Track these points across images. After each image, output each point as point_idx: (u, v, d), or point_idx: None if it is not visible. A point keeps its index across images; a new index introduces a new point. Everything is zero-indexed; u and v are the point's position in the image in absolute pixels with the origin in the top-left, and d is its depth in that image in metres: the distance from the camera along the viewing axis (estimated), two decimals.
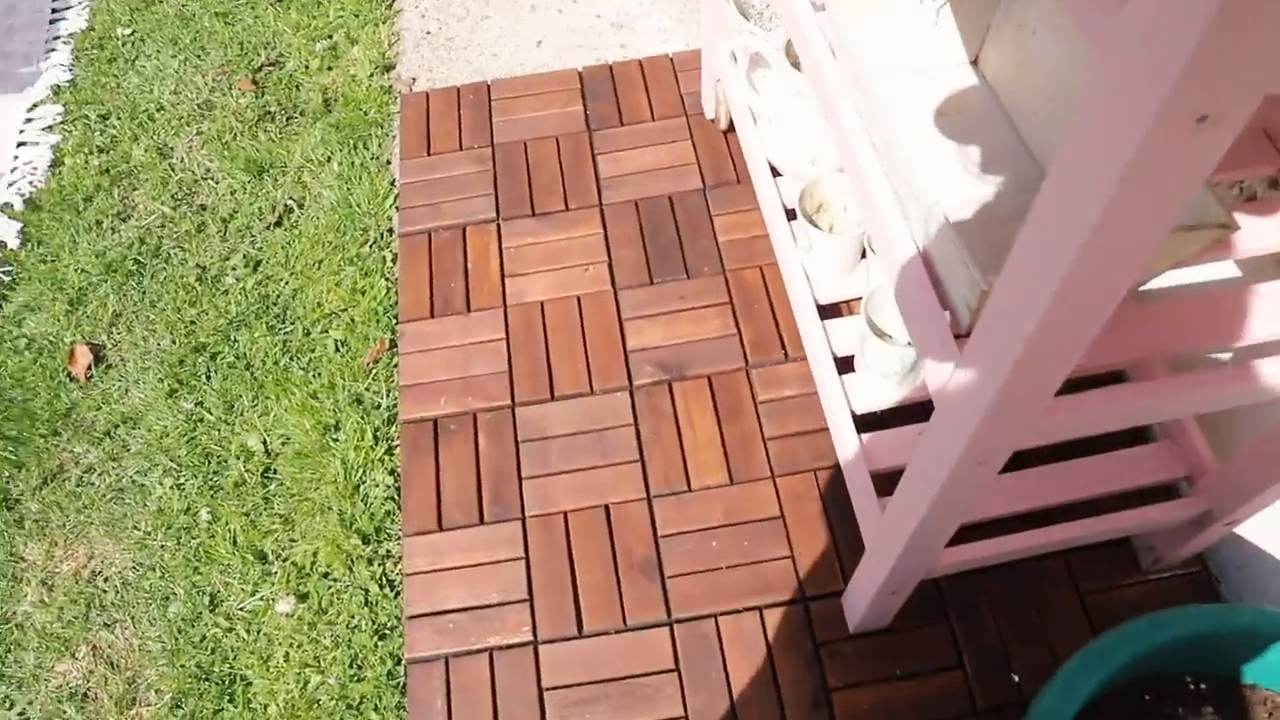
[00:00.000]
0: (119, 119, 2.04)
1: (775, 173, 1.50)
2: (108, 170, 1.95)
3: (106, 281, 1.77)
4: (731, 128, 1.77)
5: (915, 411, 1.26)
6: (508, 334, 1.57)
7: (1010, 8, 0.99)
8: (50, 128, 2.06)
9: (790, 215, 1.45)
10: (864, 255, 1.37)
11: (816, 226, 1.34)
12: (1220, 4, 0.37)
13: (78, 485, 1.54)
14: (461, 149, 1.82)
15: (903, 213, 0.93)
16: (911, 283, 0.91)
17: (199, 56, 2.13)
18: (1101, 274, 0.57)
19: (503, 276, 1.64)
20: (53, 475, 1.56)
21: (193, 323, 1.70)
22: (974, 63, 1.07)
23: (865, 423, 1.28)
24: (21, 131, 2.06)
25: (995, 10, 1.01)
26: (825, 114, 1.06)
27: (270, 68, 2.09)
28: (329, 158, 1.88)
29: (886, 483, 1.18)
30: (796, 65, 1.34)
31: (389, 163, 1.86)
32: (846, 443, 1.28)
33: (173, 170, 1.93)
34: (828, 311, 1.39)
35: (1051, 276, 0.56)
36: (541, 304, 1.60)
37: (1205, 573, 1.30)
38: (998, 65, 1.04)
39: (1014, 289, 0.62)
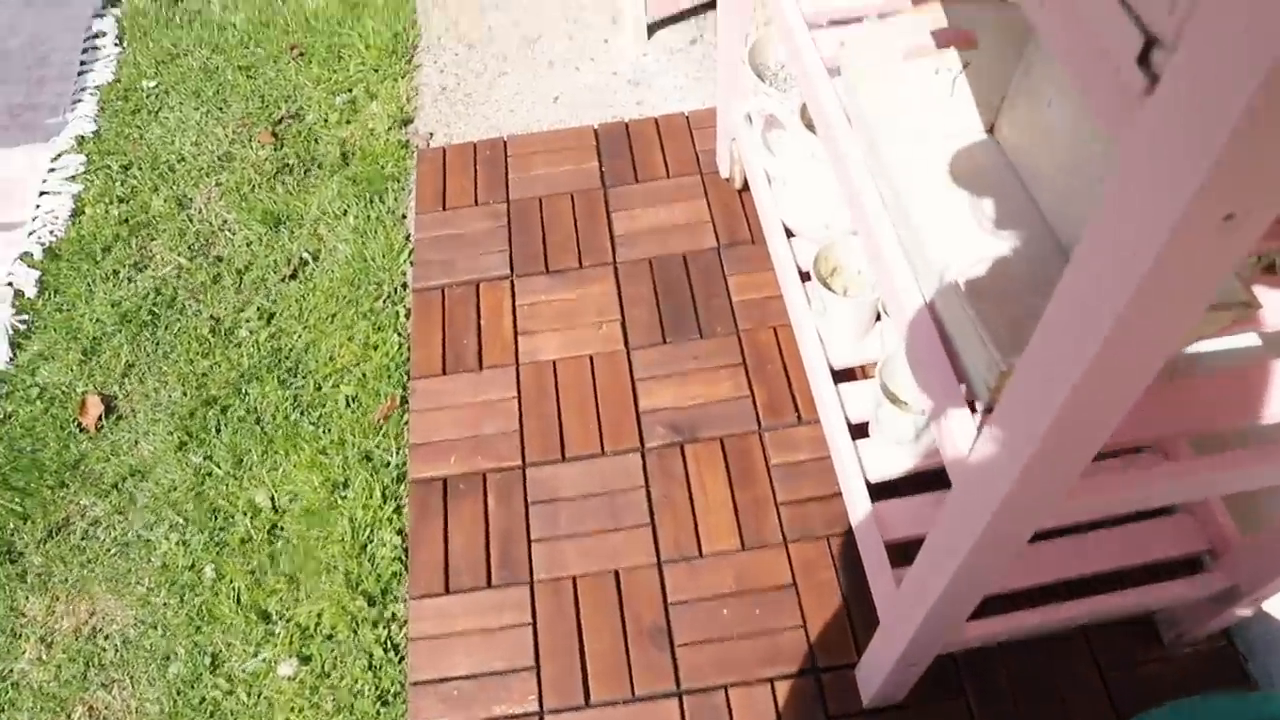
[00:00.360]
0: (140, 169, 2.06)
1: (789, 234, 1.50)
2: (127, 220, 1.97)
3: (121, 331, 1.78)
4: (746, 186, 1.77)
5: (931, 479, 1.24)
6: (519, 393, 1.56)
7: (1025, 80, 0.99)
8: (73, 177, 2.08)
9: (805, 277, 1.44)
10: (879, 318, 1.36)
11: (830, 290, 1.33)
12: (1249, 102, 0.36)
13: (83, 539, 1.53)
14: (477, 204, 1.83)
15: (917, 280, 0.92)
16: (926, 355, 0.89)
17: (220, 109, 2.15)
18: (1125, 363, 0.55)
19: (515, 334, 1.63)
20: (58, 528, 1.54)
21: (204, 375, 1.70)
22: (989, 131, 1.06)
23: (880, 489, 1.26)
24: (45, 181, 2.08)
25: (1010, 81, 1.01)
26: (839, 179, 1.05)
27: (290, 120, 2.11)
28: (345, 211, 1.90)
29: (900, 553, 1.16)
30: (811, 128, 1.34)
31: (404, 217, 1.87)
32: (860, 510, 1.25)
33: (190, 221, 1.95)
34: (842, 375, 1.37)
35: (1073, 367, 0.55)
36: (554, 363, 1.59)
37: (1231, 649, 1.26)
38: (1013, 135, 1.03)
39: (1035, 377, 0.61)
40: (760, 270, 1.67)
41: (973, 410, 0.86)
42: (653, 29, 2.11)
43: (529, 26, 2.20)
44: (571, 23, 2.18)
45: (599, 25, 2.17)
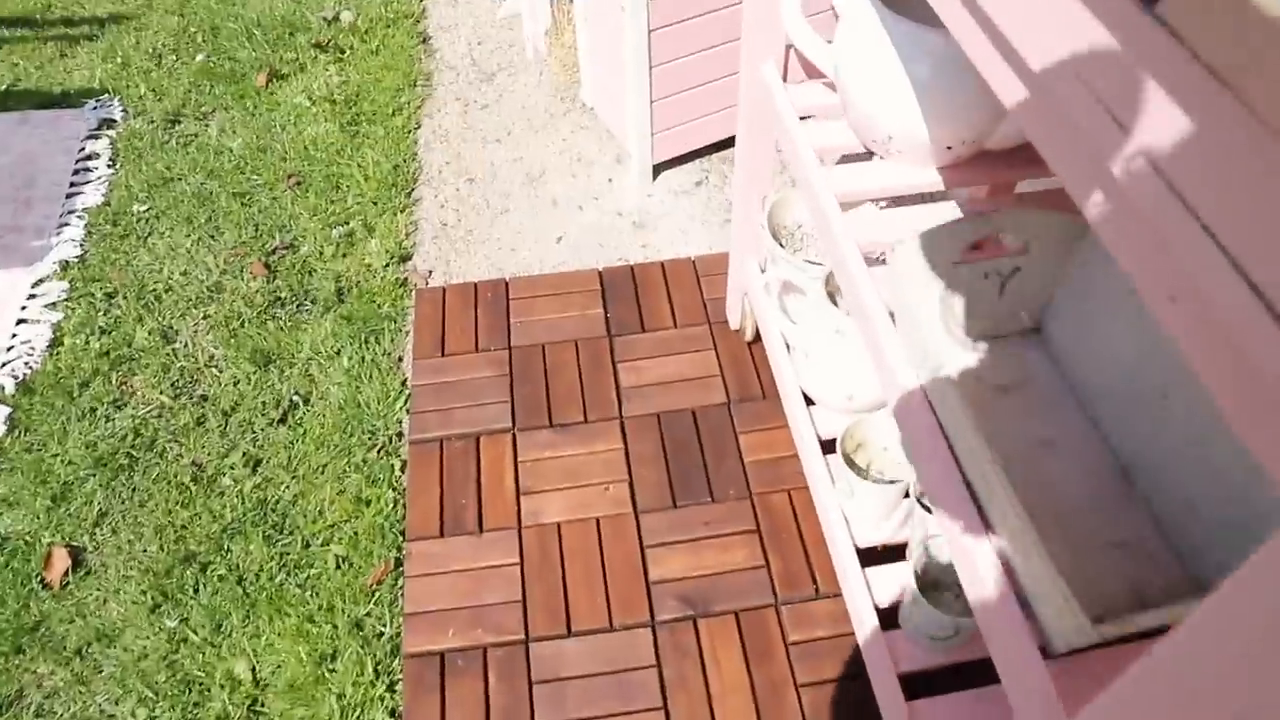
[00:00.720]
0: (125, 298, 1.99)
1: (809, 400, 1.45)
2: (108, 353, 1.89)
3: (95, 476, 1.68)
4: (757, 338, 1.73)
5: (970, 670, 1.16)
6: (522, 559, 1.48)
7: (1076, 287, 0.96)
8: (54, 305, 2.00)
9: (825, 446, 1.38)
10: (906, 495, 1.31)
11: (856, 467, 1.28)
12: None
13: (36, 715, 1.40)
14: (477, 350, 1.77)
15: (971, 493, 0.86)
16: (990, 592, 0.83)
17: (213, 237, 2.10)
18: None
19: (518, 493, 1.56)
20: (9, 702, 1.42)
21: (184, 527, 1.60)
22: (1036, 330, 1.03)
23: (912, 677, 1.18)
24: (23, 308, 2.00)
25: (1061, 286, 0.98)
26: (880, 374, 1.01)
27: (284, 251, 2.06)
28: (339, 351, 1.83)
29: None
30: (833, 298, 1.31)
31: (401, 360, 1.81)
32: (891, 707, 1.17)
33: (175, 356, 1.87)
34: (866, 551, 1.31)
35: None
36: (558, 525, 1.51)
37: None
38: (1064, 340, 1.00)
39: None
40: (773, 428, 1.62)
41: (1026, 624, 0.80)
42: (658, 169, 2.11)
43: (532, 163, 2.18)
44: (575, 161, 2.18)
45: (603, 164, 2.16)
